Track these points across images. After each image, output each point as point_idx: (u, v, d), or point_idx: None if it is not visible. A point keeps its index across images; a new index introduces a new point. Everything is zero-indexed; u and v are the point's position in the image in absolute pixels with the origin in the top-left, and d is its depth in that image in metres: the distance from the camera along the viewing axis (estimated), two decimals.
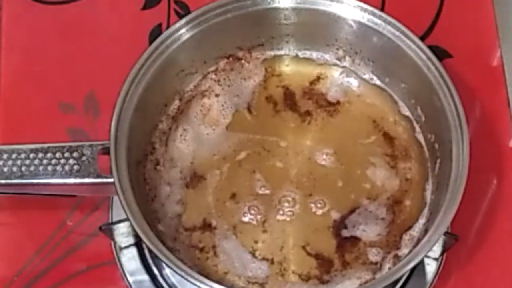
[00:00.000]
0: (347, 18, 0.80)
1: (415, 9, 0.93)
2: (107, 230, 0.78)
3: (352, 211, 0.78)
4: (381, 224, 0.78)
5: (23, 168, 0.74)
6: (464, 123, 0.75)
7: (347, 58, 0.83)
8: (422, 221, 0.78)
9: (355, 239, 0.77)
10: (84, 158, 0.75)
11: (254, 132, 0.82)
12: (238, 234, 0.78)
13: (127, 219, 0.72)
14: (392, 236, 0.78)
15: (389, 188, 0.79)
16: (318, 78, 0.84)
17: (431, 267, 0.81)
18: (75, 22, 0.93)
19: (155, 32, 0.91)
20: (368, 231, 0.78)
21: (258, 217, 0.78)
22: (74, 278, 0.82)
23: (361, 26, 0.80)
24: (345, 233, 0.78)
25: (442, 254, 0.80)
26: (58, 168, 0.74)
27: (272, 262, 0.77)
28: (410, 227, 0.78)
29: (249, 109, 0.83)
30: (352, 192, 0.79)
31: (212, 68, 0.84)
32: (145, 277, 0.81)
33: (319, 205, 0.79)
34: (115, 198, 0.81)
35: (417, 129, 0.81)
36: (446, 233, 0.74)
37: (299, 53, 0.85)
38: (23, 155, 0.75)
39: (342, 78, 0.84)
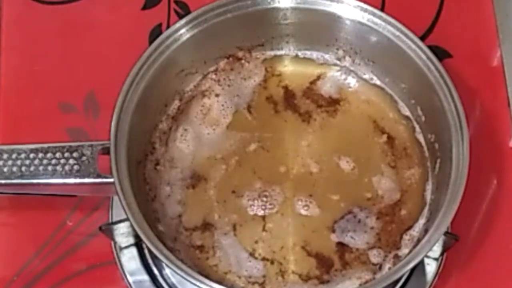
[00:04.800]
0: (347, 18, 0.80)
1: (415, 9, 0.93)
2: (107, 230, 0.78)
3: (343, 216, 0.78)
4: (370, 233, 0.78)
5: (23, 168, 0.74)
6: (464, 123, 0.75)
7: (347, 58, 0.83)
8: (422, 221, 0.78)
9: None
10: (84, 158, 0.75)
11: (254, 132, 0.82)
12: (238, 234, 0.78)
13: (127, 219, 0.72)
14: (392, 236, 0.78)
15: (387, 200, 0.79)
16: (318, 78, 0.84)
17: (431, 267, 0.81)
18: (75, 22, 0.93)
19: (155, 32, 0.91)
20: (356, 238, 0.78)
21: (258, 217, 0.78)
22: (74, 278, 0.82)
23: (361, 26, 0.80)
24: (333, 237, 0.78)
25: (442, 254, 0.80)
26: (58, 168, 0.74)
27: (272, 262, 0.77)
28: (410, 227, 0.78)
29: (249, 109, 0.83)
30: (350, 197, 0.79)
31: (212, 68, 0.84)
32: (145, 277, 0.81)
33: (319, 206, 0.79)
34: (115, 198, 0.81)
35: (417, 129, 0.81)
36: (446, 233, 0.74)
37: (299, 53, 0.85)
38: (23, 155, 0.75)
39: (342, 78, 0.84)
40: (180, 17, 0.83)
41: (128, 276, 0.81)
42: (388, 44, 0.79)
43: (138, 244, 0.82)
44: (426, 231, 0.74)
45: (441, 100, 0.76)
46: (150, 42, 0.80)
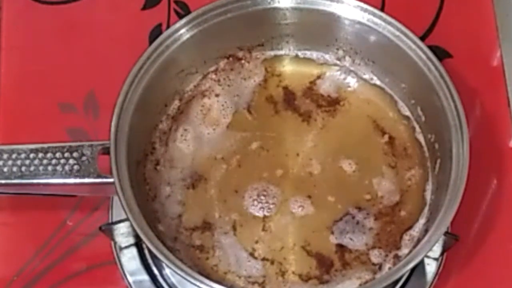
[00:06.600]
0: (347, 18, 0.80)
1: (415, 9, 0.93)
2: (107, 230, 0.78)
3: (341, 217, 0.78)
4: (368, 234, 0.78)
5: (23, 168, 0.74)
6: (464, 123, 0.75)
7: (347, 58, 0.83)
8: (422, 221, 0.78)
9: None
10: (84, 158, 0.75)
11: (254, 132, 0.82)
12: (238, 234, 0.78)
13: (127, 219, 0.72)
14: (392, 236, 0.78)
15: (387, 201, 0.79)
16: (318, 78, 0.84)
17: (431, 267, 0.81)
18: (75, 22, 0.93)
19: (155, 32, 0.91)
20: (355, 240, 0.78)
21: (258, 216, 0.78)
22: (74, 278, 0.82)
23: (361, 26, 0.80)
24: (332, 239, 0.78)
25: (442, 254, 0.80)
26: (58, 168, 0.74)
27: (272, 262, 0.77)
28: (410, 227, 0.78)
29: (249, 109, 0.83)
30: (349, 198, 0.79)
31: (212, 68, 0.84)
32: (145, 277, 0.81)
33: (317, 207, 0.79)
34: (115, 198, 0.81)
35: (417, 129, 0.81)
36: (446, 233, 0.74)
37: (299, 53, 0.85)
38: (23, 155, 0.75)
39: (342, 78, 0.84)
40: (180, 17, 0.83)
41: (128, 276, 0.82)
42: (388, 44, 0.79)
43: (138, 244, 0.82)
44: (426, 231, 0.74)
45: (441, 100, 0.76)
46: (150, 42, 0.80)
